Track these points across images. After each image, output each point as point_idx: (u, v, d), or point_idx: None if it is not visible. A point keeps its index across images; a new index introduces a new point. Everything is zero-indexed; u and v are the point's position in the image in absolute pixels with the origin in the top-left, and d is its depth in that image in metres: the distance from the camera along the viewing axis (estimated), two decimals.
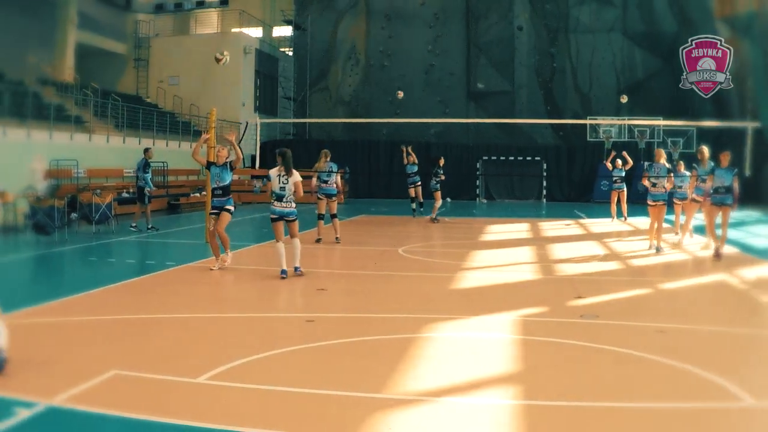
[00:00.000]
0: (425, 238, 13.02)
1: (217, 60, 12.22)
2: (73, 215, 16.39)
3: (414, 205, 17.27)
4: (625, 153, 16.46)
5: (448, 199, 23.46)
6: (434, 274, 8.92)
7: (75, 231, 12.92)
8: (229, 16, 29.16)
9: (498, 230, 14.83)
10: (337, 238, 11.90)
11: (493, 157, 26.57)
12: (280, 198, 8.23)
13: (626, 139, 25.08)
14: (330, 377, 4.52)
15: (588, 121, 24.70)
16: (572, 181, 26.45)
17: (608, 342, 5.57)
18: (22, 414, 3.69)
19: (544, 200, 26.13)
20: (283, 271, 8.08)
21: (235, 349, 5.06)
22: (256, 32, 29.18)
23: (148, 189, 14.25)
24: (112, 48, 25.93)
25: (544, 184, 26.29)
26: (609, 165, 16.41)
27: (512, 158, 26.36)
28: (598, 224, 16.46)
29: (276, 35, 30.83)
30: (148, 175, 14.29)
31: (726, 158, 10.35)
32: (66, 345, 5.20)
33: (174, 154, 22.14)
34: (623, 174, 16.21)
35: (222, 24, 28.87)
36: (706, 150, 11.51)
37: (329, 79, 29.95)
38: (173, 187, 20.96)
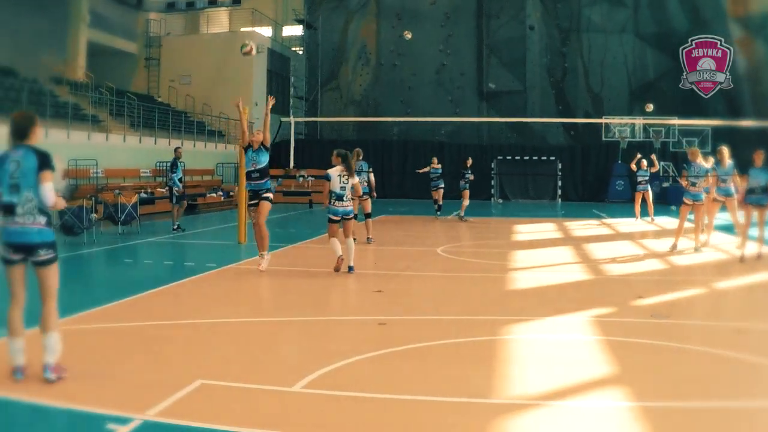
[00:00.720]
0: (458, 238, 12.87)
1: (246, 53, 11.89)
2: (92, 216, 16.22)
3: (436, 206, 17.14)
4: (653, 156, 16.42)
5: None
6: (483, 275, 8.76)
7: (100, 232, 12.68)
8: (238, 15, 28.96)
9: (526, 230, 14.69)
10: (369, 238, 11.73)
11: (508, 157, 26.46)
12: (340, 198, 8.49)
13: (641, 139, 25.01)
14: (427, 382, 4.35)
15: (603, 120, 24.65)
16: (586, 181, 26.37)
17: (694, 342, 5.44)
18: (120, 431, 3.49)
19: (559, 200, 26.03)
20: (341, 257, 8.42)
21: (319, 355, 4.88)
22: (265, 31, 28.97)
23: (176, 189, 14.00)
24: (123, 47, 25.68)
25: (559, 183, 26.19)
26: (634, 167, 16.32)
27: (527, 158, 26.26)
28: (622, 224, 16.34)
29: (285, 35, 30.62)
30: (176, 175, 14.02)
31: (760, 157, 10.22)
32: (139, 353, 4.98)
33: (189, 154, 21.91)
34: (648, 175, 16.13)
35: (231, 23, 28.65)
36: (725, 150, 11.38)
37: (340, 78, 29.80)
38: (189, 187, 20.72)
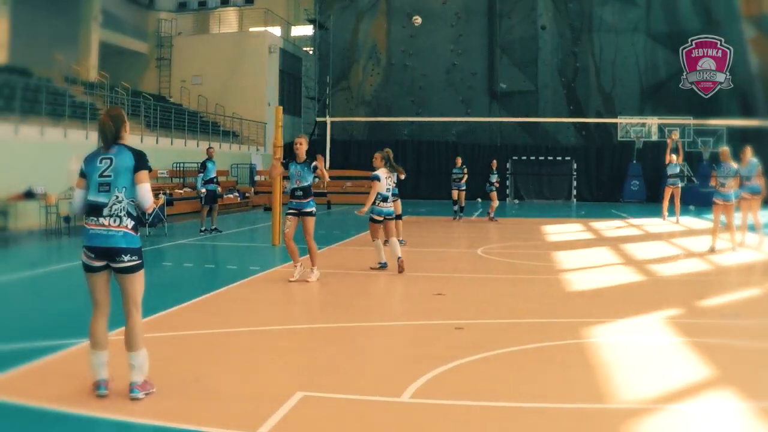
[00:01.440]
0: (492, 239, 12.73)
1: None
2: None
3: (456, 208, 17.02)
4: (679, 143, 16.18)
5: (479, 200, 23.21)
6: (534, 276, 8.63)
7: None
8: (249, 15, 28.74)
9: (556, 231, 14.57)
10: (400, 240, 11.59)
11: (523, 158, 26.37)
12: (385, 199, 8.52)
13: (656, 139, 24.97)
14: (534, 387, 4.22)
15: (618, 120, 24.59)
16: (601, 181, 26.32)
17: None
18: None
19: (574, 200, 25.95)
20: (384, 264, 8.64)
21: (412, 362, 4.73)
22: (276, 32, 28.79)
23: (200, 190, 13.78)
24: (134, 47, 25.45)
25: (574, 184, 26.11)
26: (671, 158, 15.96)
27: (541, 158, 26.18)
28: (648, 225, 16.23)
29: (294, 34, 30.43)
30: (201, 176, 13.80)
31: None
32: (222, 364, 4.76)
33: (204, 155, 21.69)
34: (679, 170, 15.97)
35: (243, 23, 28.42)
36: (748, 149, 11.40)
37: (350, 78, 29.64)
38: None
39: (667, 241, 12.60)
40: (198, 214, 14.94)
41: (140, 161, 3.97)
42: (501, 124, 27.67)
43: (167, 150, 19.89)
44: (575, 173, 26.17)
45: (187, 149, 20.89)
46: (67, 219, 14.43)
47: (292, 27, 29.87)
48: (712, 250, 10.71)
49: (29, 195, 14.48)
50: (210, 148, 14.59)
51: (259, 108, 25.42)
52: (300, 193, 7.78)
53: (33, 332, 5.60)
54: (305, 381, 4.27)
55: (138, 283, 3.96)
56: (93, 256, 3.86)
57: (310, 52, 29.95)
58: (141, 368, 3.91)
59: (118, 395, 3.88)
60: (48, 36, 21.29)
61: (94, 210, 3.87)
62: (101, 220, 3.85)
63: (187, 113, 22.33)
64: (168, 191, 18.27)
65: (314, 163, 7.89)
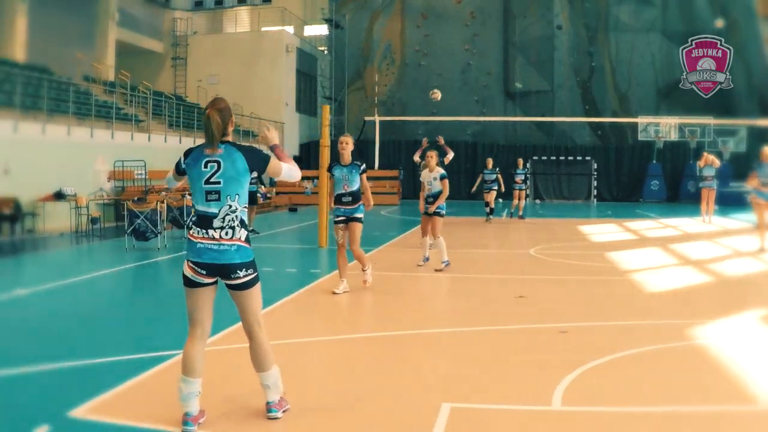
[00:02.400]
0: (537, 240, 12.53)
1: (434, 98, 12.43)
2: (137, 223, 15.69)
3: (487, 209, 16.89)
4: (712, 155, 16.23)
5: (500, 200, 23.04)
6: (605, 278, 8.45)
7: (162, 236, 12.19)
8: (265, 14, 28.44)
9: (594, 231, 14.43)
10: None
11: (543, 158, 26.25)
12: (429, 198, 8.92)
13: (676, 139, 24.90)
14: (681, 391, 4.08)
15: (639, 120, 24.51)
16: (621, 181, 26.24)
17: None
18: None
19: (594, 200, 25.85)
20: (426, 258, 9.10)
21: (541, 367, 4.55)
22: (292, 31, 28.55)
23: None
24: (149, 46, 25.14)
25: (594, 184, 26.01)
26: (706, 159, 15.96)
27: (561, 158, 26.06)
28: (684, 225, 16.12)
29: (307, 34, 30.19)
30: None
31: None
32: (335, 374, 4.58)
33: None
34: (714, 172, 15.91)
35: (259, 22, 28.11)
36: (766, 149, 11.24)
37: (365, 78, 29.45)
38: None
39: (711, 240, 12.49)
40: None
41: (254, 160, 3.46)
42: (516, 123, 27.54)
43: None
44: (595, 173, 26.07)
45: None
46: (94, 220, 14.17)
47: (305, 26, 29.63)
48: (762, 250, 10.59)
49: (59, 196, 14.21)
50: None
51: (276, 108, 25.17)
52: (348, 198, 7.06)
53: (129, 343, 5.39)
54: (444, 391, 4.07)
55: (257, 297, 3.53)
56: (204, 272, 3.39)
57: (325, 52, 29.73)
58: (276, 386, 3.56)
59: (255, 414, 3.59)
60: (65, 34, 20.98)
61: (202, 221, 3.39)
62: (211, 232, 3.37)
63: (198, 112, 22.07)
64: (187, 192, 18.03)
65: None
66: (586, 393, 4.05)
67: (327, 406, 3.82)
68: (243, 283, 3.42)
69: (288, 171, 3.65)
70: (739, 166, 22.28)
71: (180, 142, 19.28)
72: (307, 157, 26.86)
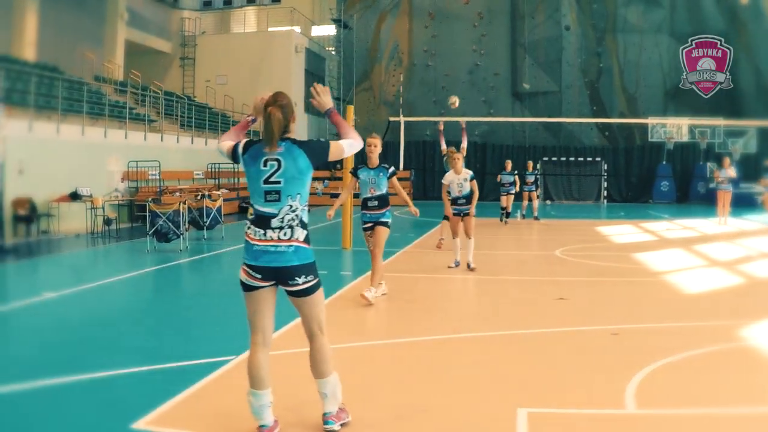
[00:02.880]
0: (560, 241, 12.45)
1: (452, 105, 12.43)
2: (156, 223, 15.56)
3: (503, 212, 16.81)
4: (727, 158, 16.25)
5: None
6: (635, 279, 8.39)
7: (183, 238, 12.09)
8: (274, 14, 28.34)
9: (614, 232, 14.37)
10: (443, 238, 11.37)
11: (553, 158, 26.20)
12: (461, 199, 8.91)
13: (687, 140, 24.88)
14: (743, 392, 4.03)
15: (649, 121, 24.47)
16: (630, 182, 26.21)
17: None
18: None
19: (605, 201, 25.81)
20: (457, 262, 8.96)
21: (600, 371, 4.49)
22: (300, 31, 28.46)
23: None
24: (157, 46, 25.01)
25: (605, 185, 25.98)
26: (717, 173, 16.14)
27: (571, 159, 26.02)
28: (701, 226, 16.08)
29: (314, 34, 30.10)
30: None
31: None
32: (396, 381, 4.50)
33: None
34: (729, 175, 15.92)
35: (268, 22, 27.99)
36: None
37: (372, 79, 29.37)
38: (243, 189, 20.15)
39: (731, 242, 12.45)
40: (239, 216, 14.68)
41: (315, 154, 3.26)
42: (524, 124, 27.48)
43: (202, 150, 19.53)
44: (605, 174, 26.03)
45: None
46: (108, 221, 14.06)
47: (312, 27, 29.55)
48: None
49: (74, 196, 14.10)
50: None
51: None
52: (375, 203, 6.66)
53: (177, 349, 5.30)
54: (516, 396, 3.99)
55: (319, 303, 3.33)
56: (260, 276, 3.19)
57: (333, 52, 29.64)
58: (334, 396, 3.35)
59: (309, 427, 3.41)
60: (75, 34, 20.86)
61: (260, 221, 3.20)
62: (269, 233, 3.18)
63: (218, 114, 21.96)
64: (207, 192, 17.92)
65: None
66: (657, 395, 3.99)
67: (390, 416, 3.65)
68: (303, 290, 3.23)
69: (349, 148, 3.41)
70: (748, 167, 22.28)
71: (192, 143, 19.18)
72: (360, 160, 26.79)
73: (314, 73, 27.84)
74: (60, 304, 6.87)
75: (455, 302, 7.32)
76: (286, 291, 3.25)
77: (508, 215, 16.57)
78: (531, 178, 17.27)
